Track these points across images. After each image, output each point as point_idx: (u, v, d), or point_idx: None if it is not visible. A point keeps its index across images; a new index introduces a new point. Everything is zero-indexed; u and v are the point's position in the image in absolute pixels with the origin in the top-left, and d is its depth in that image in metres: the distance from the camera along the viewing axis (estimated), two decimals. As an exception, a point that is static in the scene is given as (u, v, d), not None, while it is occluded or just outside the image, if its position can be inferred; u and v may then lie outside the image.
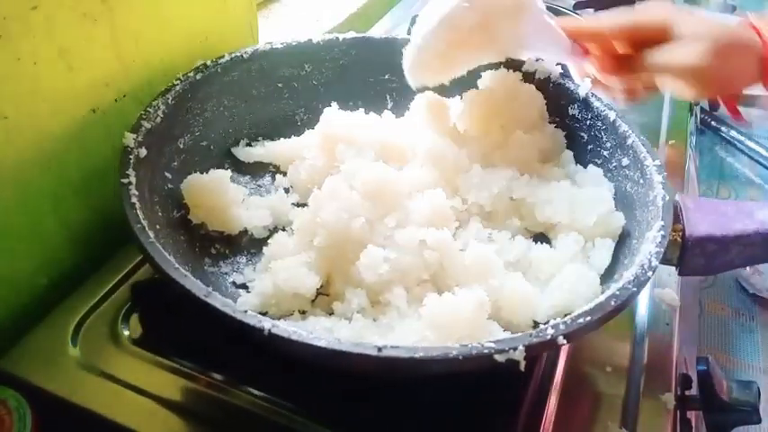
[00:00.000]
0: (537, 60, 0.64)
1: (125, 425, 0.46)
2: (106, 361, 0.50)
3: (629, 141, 0.57)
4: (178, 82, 0.59)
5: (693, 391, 0.56)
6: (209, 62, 0.62)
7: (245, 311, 0.40)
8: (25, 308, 0.54)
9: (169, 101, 0.57)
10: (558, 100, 0.64)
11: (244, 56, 0.64)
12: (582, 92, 0.62)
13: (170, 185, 0.56)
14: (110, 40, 0.56)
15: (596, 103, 0.61)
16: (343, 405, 0.47)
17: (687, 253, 0.52)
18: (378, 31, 1.04)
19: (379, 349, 0.38)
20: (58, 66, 0.52)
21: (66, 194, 0.57)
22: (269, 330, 0.38)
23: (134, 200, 0.47)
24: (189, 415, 0.47)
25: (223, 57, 0.63)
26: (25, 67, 0.49)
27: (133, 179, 0.48)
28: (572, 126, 0.63)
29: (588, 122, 0.62)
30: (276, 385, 0.48)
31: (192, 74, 0.60)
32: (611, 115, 0.59)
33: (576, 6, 1.06)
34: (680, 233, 0.52)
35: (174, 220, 0.55)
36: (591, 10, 1.07)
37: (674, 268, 0.54)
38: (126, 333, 0.52)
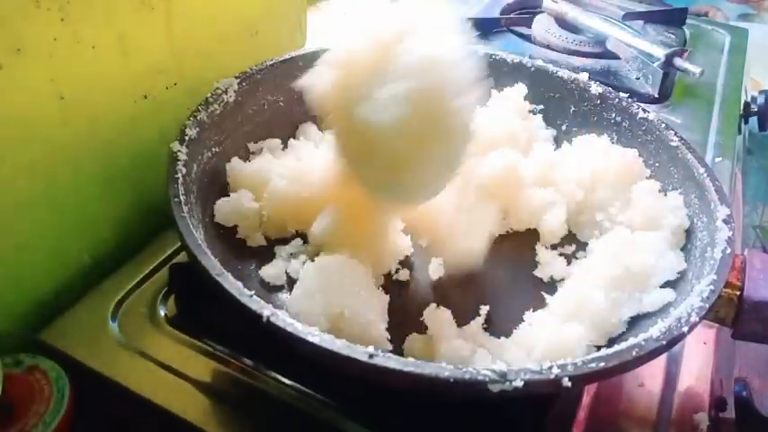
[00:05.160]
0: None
1: (157, 403, 0.47)
2: (143, 340, 0.51)
3: (697, 176, 0.55)
4: (250, 70, 0.62)
5: (728, 414, 0.54)
6: (286, 55, 0.65)
7: (251, 296, 0.40)
8: (69, 283, 0.56)
9: (243, 84, 0.60)
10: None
11: (319, 53, 0.66)
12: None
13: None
14: (164, 29, 0.58)
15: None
16: (370, 400, 0.48)
17: (743, 316, 0.48)
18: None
19: (371, 356, 0.37)
20: (115, 50, 0.53)
21: (115, 178, 0.58)
22: (267, 318, 0.39)
23: (178, 174, 0.48)
24: (219, 397, 0.47)
25: (299, 51, 0.66)
26: (84, 50, 0.51)
27: (183, 156, 0.50)
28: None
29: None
30: (305, 375, 0.49)
31: (263, 65, 0.63)
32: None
33: (626, 18, 1.05)
34: (738, 293, 0.48)
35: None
36: (641, 22, 1.06)
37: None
38: (163, 314, 0.53)
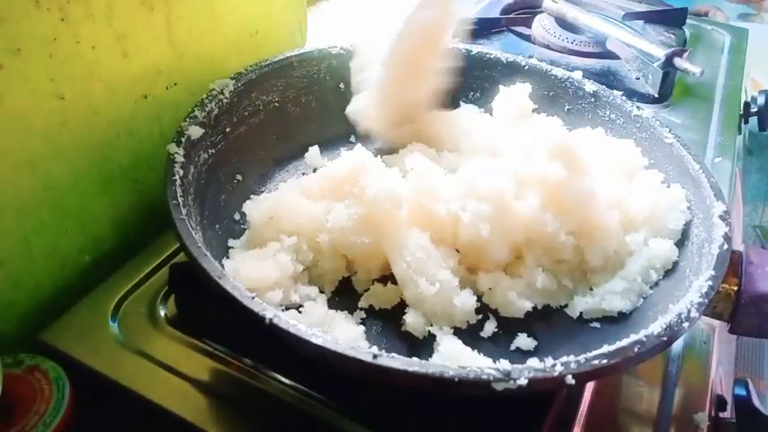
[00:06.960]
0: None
1: (157, 403, 0.47)
2: (143, 340, 0.51)
3: (692, 172, 0.55)
4: (245, 70, 0.62)
5: (727, 413, 0.54)
6: (280, 55, 0.65)
7: (253, 298, 0.40)
8: (69, 283, 0.56)
9: (238, 85, 0.60)
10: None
11: (314, 53, 0.67)
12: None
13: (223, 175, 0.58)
14: (164, 29, 0.58)
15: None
16: (371, 399, 0.48)
17: (740, 311, 0.48)
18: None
19: (375, 356, 0.37)
20: (115, 51, 0.53)
21: (115, 178, 0.58)
22: (270, 320, 0.39)
23: (176, 176, 0.49)
24: (219, 397, 0.47)
25: (293, 52, 0.66)
26: (84, 50, 0.51)
27: (180, 158, 0.50)
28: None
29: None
30: (305, 375, 0.49)
31: (258, 65, 0.63)
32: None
33: (626, 18, 1.05)
34: (735, 288, 0.48)
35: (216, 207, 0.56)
36: (641, 22, 1.06)
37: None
38: (163, 314, 0.53)
